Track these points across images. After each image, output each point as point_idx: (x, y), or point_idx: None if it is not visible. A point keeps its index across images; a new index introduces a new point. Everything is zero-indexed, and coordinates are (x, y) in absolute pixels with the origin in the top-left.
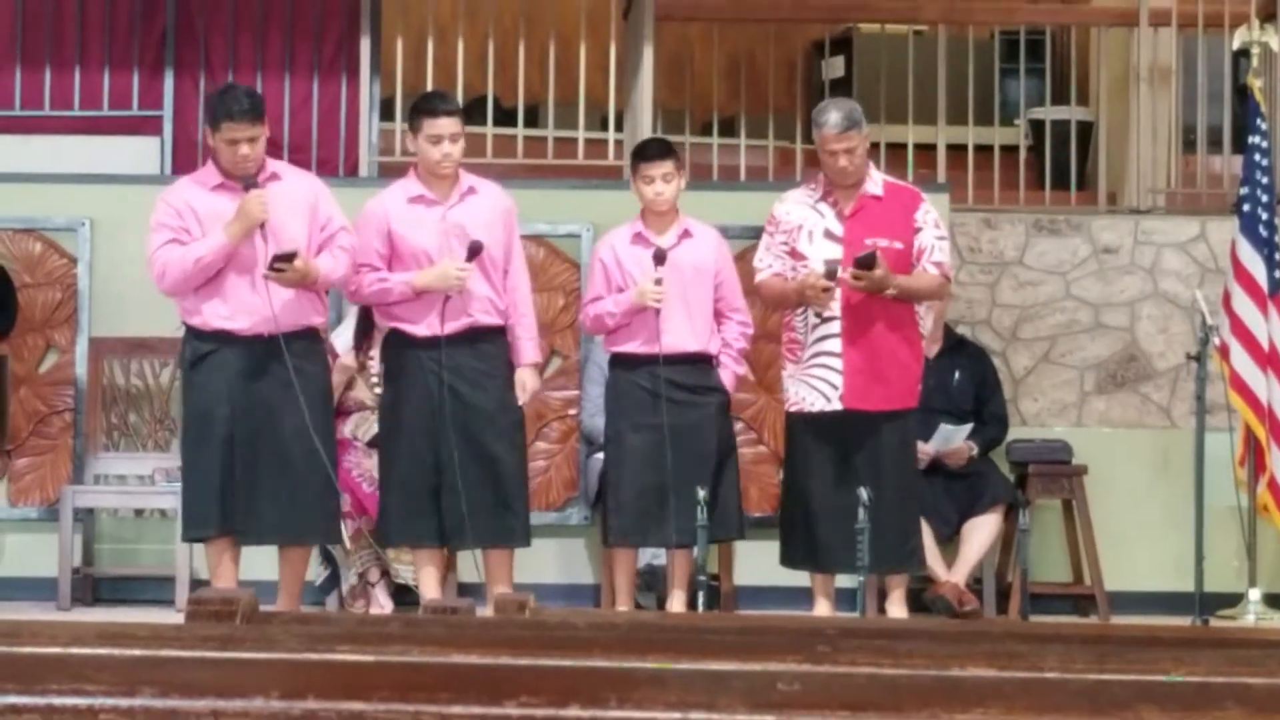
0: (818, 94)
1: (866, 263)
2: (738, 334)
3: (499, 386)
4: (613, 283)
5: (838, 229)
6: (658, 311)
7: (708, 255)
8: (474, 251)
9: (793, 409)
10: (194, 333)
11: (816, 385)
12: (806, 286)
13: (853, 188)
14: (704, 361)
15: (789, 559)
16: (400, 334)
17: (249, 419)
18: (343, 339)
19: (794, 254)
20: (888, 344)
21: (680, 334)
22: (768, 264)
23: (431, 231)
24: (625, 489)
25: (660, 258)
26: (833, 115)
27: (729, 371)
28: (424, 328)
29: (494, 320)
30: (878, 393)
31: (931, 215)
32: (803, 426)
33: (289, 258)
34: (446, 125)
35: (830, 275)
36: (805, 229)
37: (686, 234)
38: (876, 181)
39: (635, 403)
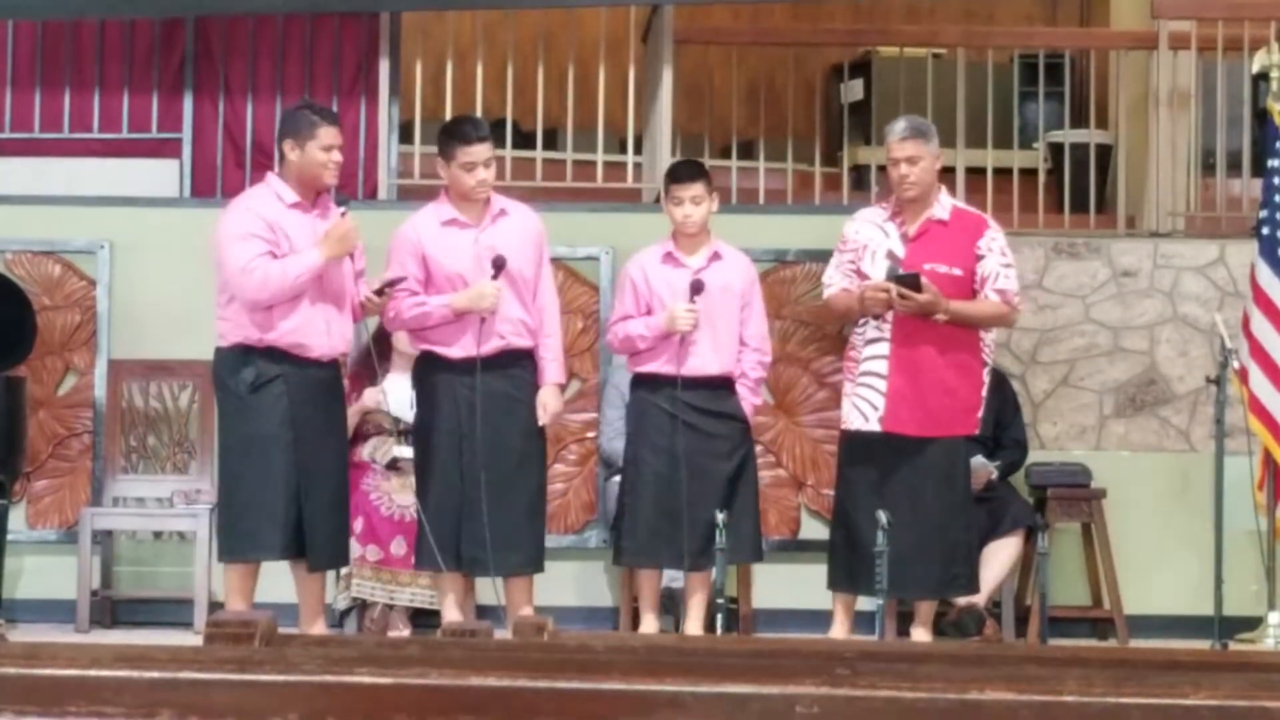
0: (836, 117)
1: (908, 283)
2: (755, 363)
3: (526, 412)
4: (641, 301)
5: (900, 250)
6: (684, 335)
7: (736, 278)
8: (498, 266)
9: (842, 427)
10: (257, 351)
11: (859, 405)
12: (866, 289)
13: (919, 210)
14: (726, 385)
15: (833, 581)
16: (432, 357)
17: (307, 443)
18: (392, 391)
19: (859, 273)
20: (937, 370)
21: (704, 356)
22: (835, 281)
23: (465, 255)
24: (640, 510)
25: (698, 288)
26: (899, 123)
27: (746, 402)
28: (457, 349)
29: (525, 342)
30: (919, 418)
31: (998, 243)
32: (849, 446)
33: (396, 283)
34: (480, 152)
35: (892, 274)
36: (870, 249)
37: (716, 256)
38: (945, 206)
39: (654, 425)
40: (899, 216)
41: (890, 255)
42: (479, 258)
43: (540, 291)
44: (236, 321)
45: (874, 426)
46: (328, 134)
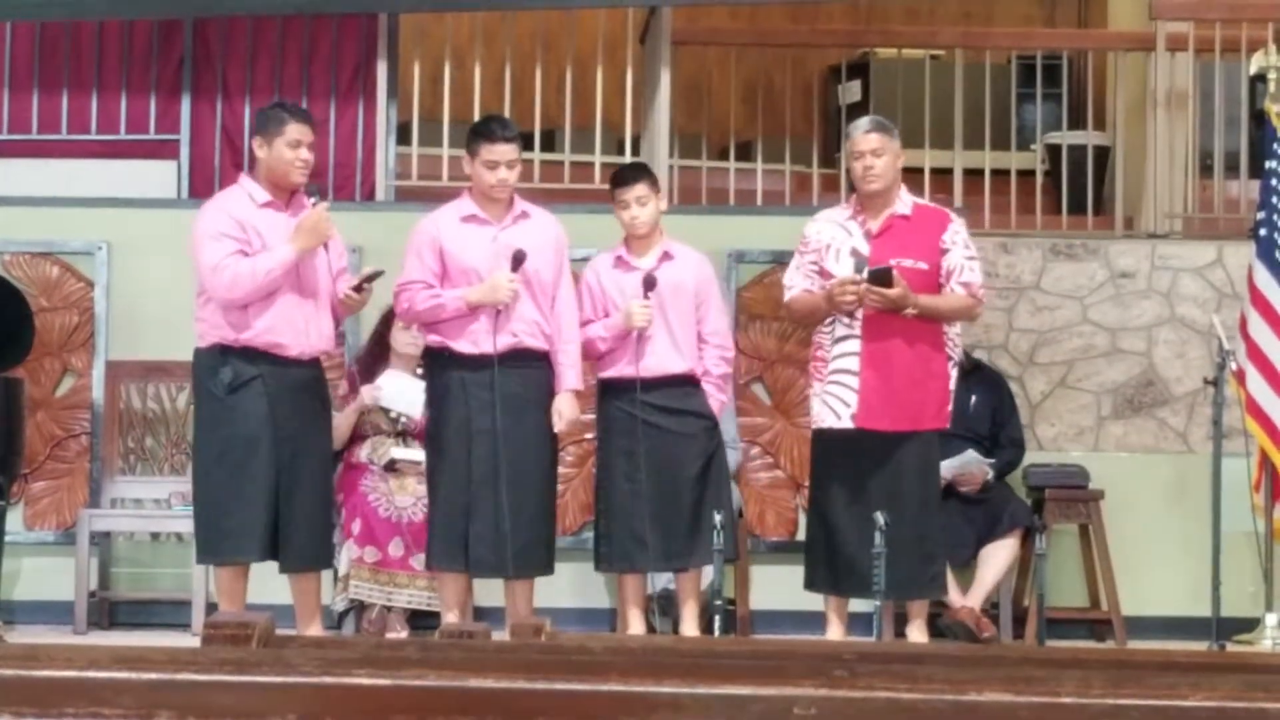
0: (835, 118)
1: (880, 278)
2: (717, 358)
3: (539, 415)
4: (597, 306)
5: (864, 248)
6: (641, 334)
7: (689, 276)
8: (518, 260)
9: (814, 426)
10: (233, 351)
11: (831, 403)
12: (834, 286)
13: (881, 207)
14: (690, 383)
15: (810, 581)
16: (444, 353)
17: (288, 444)
18: (387, 385)
19: (823, 273)
20: (907, 365)
21: (663, 355)
22: (797, 283)
23: (482, 252)
24: (614, 515)
25: (650, 284)
26: (863, 120)
27: (713, 399)
28: (467, 344)
29: (539, 344)
30: (893, 413)
31: (961, 236)
32: (822, 445)
33: (375, 277)
34: (504, 152)
35: (859, 269)
36: (833, 248)
37: (667, 255)
38: (906, 202)
39: (620, 428)
40: (861, 215)
41: (854, 252)
42: (497, 255)
43: (560, 298)
44: (213, 322)
45: (846, 424)
46: (295, 130)
